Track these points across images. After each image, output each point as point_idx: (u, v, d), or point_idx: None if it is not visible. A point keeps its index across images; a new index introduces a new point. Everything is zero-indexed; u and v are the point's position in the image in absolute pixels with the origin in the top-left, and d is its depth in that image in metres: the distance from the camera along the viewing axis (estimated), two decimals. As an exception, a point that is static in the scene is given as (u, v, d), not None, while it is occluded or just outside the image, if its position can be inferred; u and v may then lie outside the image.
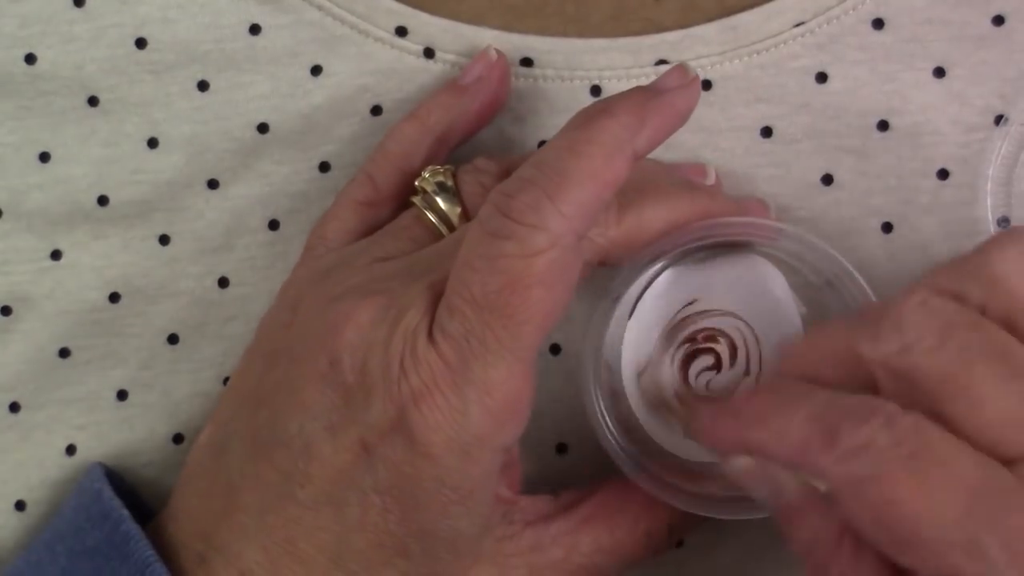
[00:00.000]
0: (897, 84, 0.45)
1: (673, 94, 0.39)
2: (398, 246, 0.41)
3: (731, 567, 0.45)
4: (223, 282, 0.46)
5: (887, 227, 0.45)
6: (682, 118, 0.39)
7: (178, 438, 0.46)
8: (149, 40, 0.46)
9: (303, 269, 0.43)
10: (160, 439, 0.46)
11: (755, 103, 0.45)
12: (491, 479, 0.38)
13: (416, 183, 0.42)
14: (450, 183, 0.42)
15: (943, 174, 0.45)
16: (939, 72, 0.45)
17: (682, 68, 0.40)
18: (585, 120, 0.38)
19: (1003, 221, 0.44)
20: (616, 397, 0.42)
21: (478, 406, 0.36)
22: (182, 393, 0.46)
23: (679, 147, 0.45)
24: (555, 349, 0.45)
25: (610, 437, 0.41)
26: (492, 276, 0.36)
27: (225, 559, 0.39)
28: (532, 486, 0.42)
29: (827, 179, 0.45)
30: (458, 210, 0.42)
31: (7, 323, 0.46)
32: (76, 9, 0.46)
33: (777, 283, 0.42)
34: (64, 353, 0.46)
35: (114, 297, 0.46)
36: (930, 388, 0.33)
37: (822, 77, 0.45)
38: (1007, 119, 0.44)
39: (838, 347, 0.36)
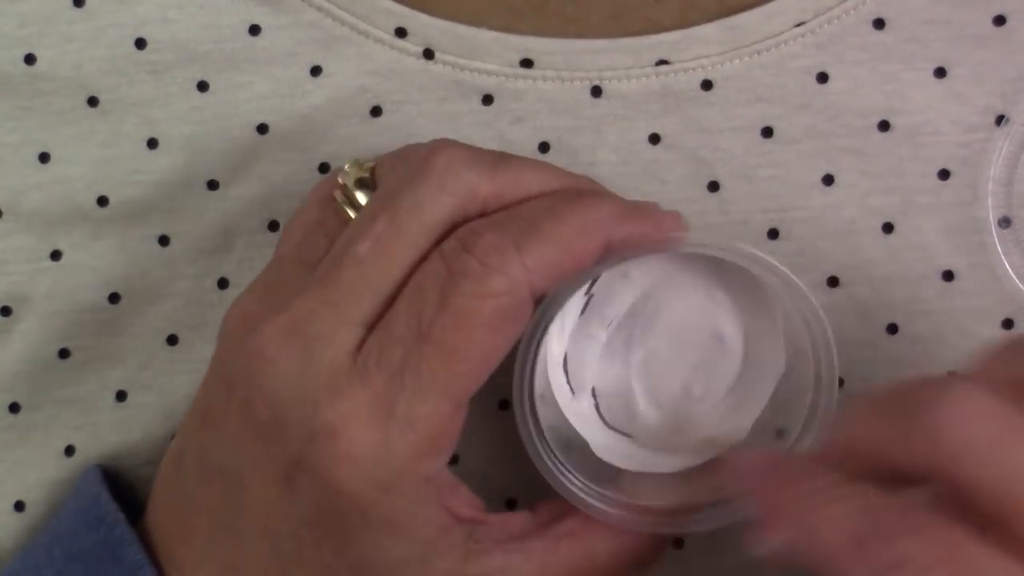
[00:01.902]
0: (898, 84, 0.45)
1: (663, 218, 0.39)
2: (317, 244, 0.39)
3: (733, 568, 0.45)
4: (222, 283, 0.46)
5: (888, 227, 0.45)
6: (657, 244, 0.39)
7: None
8: (148, 40, 0.46)
9: (255, 280, 0.41)
10: (158, 440, 0.46)
11: (755, 103, 0.45)
12: (422, 506, 0.37)
13: (338, 177, 0.40)
14: (367, 176, 0.40)
15: (944, 174, 0.45)
16: (940, 72, 0.45)
17: (678, 213, 0.40)
18: (574, 194, 0.38)
19: (1004, 221, 0.44)
20: (558, 434, 0.41)
21: (399, 441, 0.35)
22: (181, 394, 0.46)
23: (679, 147, 0.45)
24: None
25: (561, 477, 0.40)
26: (441, 310, 0.35)
27: None
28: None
29: (827, 179, 0.45)
30: None
31: (6, 323, 0.46)
32: (75, 9, 0.46)
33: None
34: (63, 353, 0.46)
35: (113, 297, 0.46)
36: (983, 502, 0.30)
37: (823, 77, 0.45)
38: (1008, 119, 0.44)
39: (872, 443, 0.33)
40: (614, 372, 0.42)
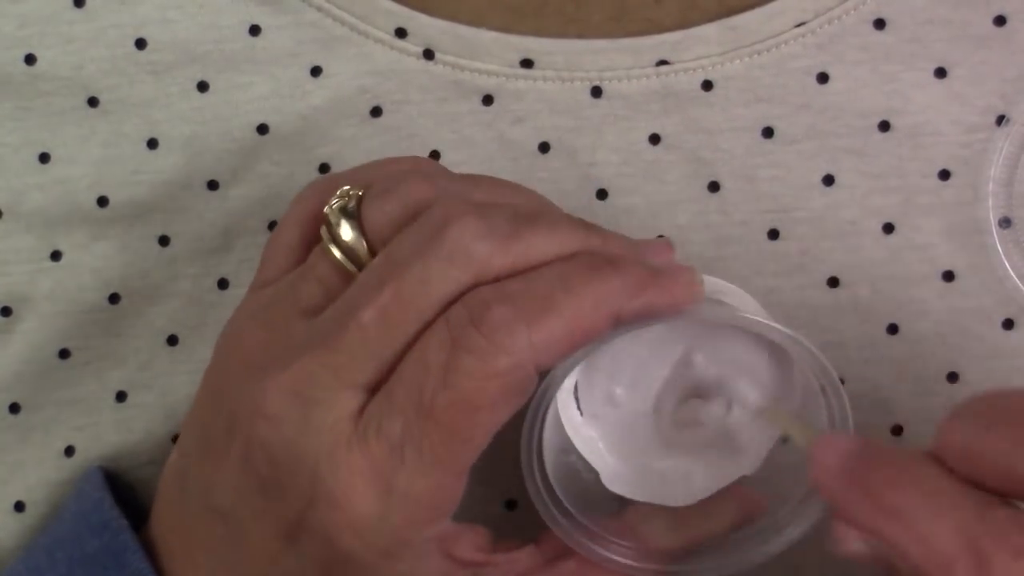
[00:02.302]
0: (898, 84, 0.45)
1: (676, 287, 0.37)
2: (310, 292, 0.38)
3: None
4: (222, 283, 0.46)
5: (888, 228, 0.45)
6: (672, 310, 0.37)
7: (177, 439, 0.46)
8: (149, 41, 0.46)
9: (243, 304, 0.40)
10: (159, 440, 0.46)
11: (756, 103, 0.45)
12: (425, 562, 0.37)
13: (325, 210, 0.38)
14: (353, 207, 0.38)
15: (944, 174, 0.45)
16: (940, 72, 0.45)
17: (694, 271, 0.38)
18: (590, 264, 0.36)
19: (1004, 222, 0.44)
20: (567, 464, 0.41)
21: (399, 514, 0.35)
22: (181, 394, 0.45)
23: (680, 148, 0.45)
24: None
25: (569, 528, 0.39)
26: (444, 388, 0.34)
27: None
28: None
29: (828, 179, 0.45)
30: (363, 243, 0.38)
31: (6, 324, 0.46)
32: (76, 9, 0.46)
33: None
34: (64, 354, 0.46)
35: (113, 298, 0.46)
36: None
37: (823, 77, 0.45)
38: (1008, 119, 0.44)
39: (998, 456, 0.32)
40: (625, 400, 0.41)
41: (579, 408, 0.41)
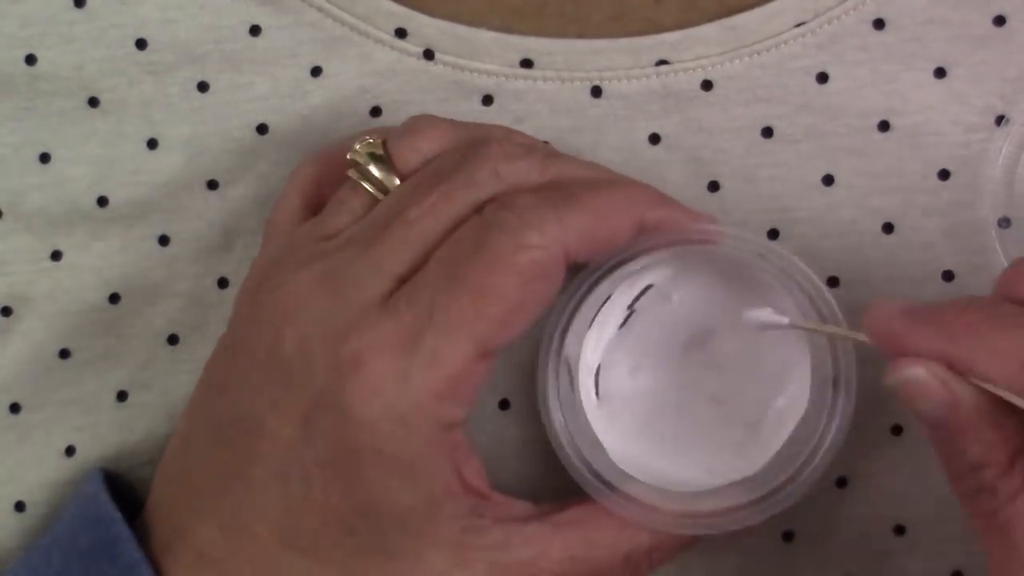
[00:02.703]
0: (898, 84, 0.45)
1: (698, 212, 0.42)
2: (339, 221, 0.40)
3: (732, 569, 0.45)
4: (222, 283, 0.46)
5: (888, 228, 0.45)
6: (689, 235, 0.41)
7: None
8: (149, 41, 0.46)
9: (258, 260, 0.42)
10: (159, 439, 0.46)
11: (756, 103, 0.45)
12: (434, 453, 0.37)
13: (347, 155, 0.41)
14: (381, 152, 0.41)
15: (944, 175, 0.45)
16: (940, 72, 0.45)
17: (713, 216, 0.42)
18: (618, 177, 0.41)
19: (1004, 222, 0.44)
20: (583, 435, 0.42)
21: (421, 375, 0.36)
22: (181, 393, 0.45)
23: (680, 148, 0.45)
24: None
25: (576, 462, 0.41)
26: (476, 256, 0.36)
27: (184, 541, 0.39)
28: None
29: (828, 179, 0.45)
30: (395, 179, 0.40)
31: (7, 324, 0.46)
32: (76, 10, 0.46)
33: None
34: (64, 354, 0.46)
35: (114, 298, 0.46)
36: None
37: (823, 77, 0.45)
38: (1008, 119, 0.44)
39: None
40: (643, 387, 0.42)
41: (597, 392, 0.42)
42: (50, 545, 0.42)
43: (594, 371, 0.42)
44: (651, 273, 0.42)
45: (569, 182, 0.40)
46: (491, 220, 0.37)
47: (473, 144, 0.40)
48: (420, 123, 0.41)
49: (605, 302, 0.42)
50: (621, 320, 0.42)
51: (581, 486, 0.41)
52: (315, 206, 0.42)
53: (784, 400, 0.42)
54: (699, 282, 0.42)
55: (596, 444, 0.42)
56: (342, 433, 0.37)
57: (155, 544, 0.40)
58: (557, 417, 0.41)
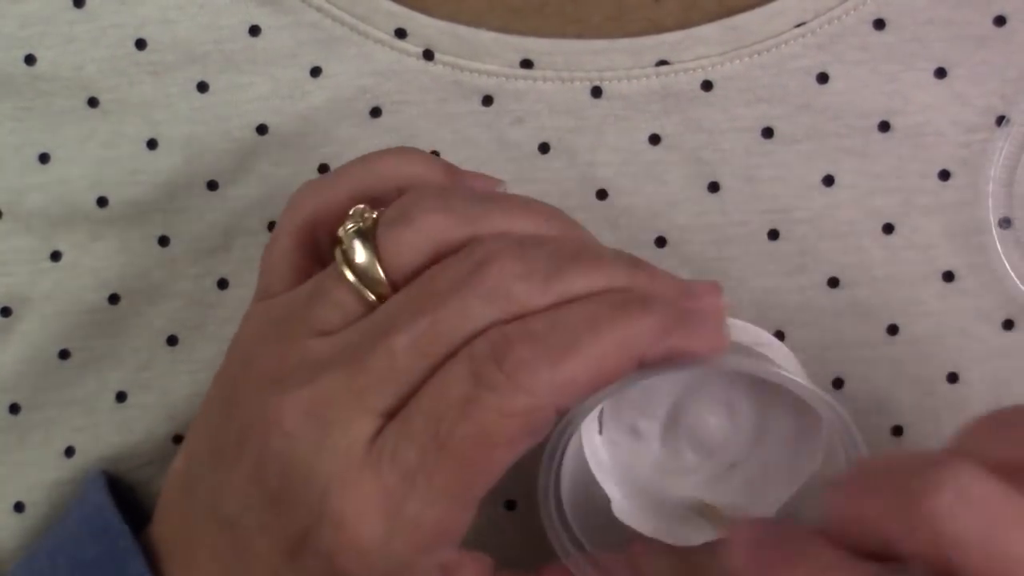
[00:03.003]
0: (898, 84, 0.45)
1: (706, 332, 0.36)
2: (327, 316, 0.37)
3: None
4: (222, 283, 0.46)
5: (888, 228, 0.45)
6: (696, 354, 0.36)
7: (177, 439, 0.46)
8: (149, 41, 0.46)
9: (253, 313, 0.40)
10: (159, 440, 0.46)
11: (756, 103, 0.45)
12: None
13: (339, 231, 0.38)
14: (368, 228, 0.37)
15: (944, 175, 0.45)
16: (940, 72, 0.45)
17: (720, 320, 0.37)
18: (618, 303, 0.36)
19: (1004, 222, 0.44)
20: (581, 485, 0.40)
21: (404, 539, 0.35)
22: (181, 394, 0.45)
23: (680, 148, 0.45)
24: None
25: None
26: (463, 421, 0.34)
27: None
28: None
29: (828, 180, 0.45)
30: (379, 271, 0.37)
31: (6, 324, 0.46)
32: (76, 10, 0.46)
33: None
34: (63, 354, 0.46)
35: (113, 298, 0.46)
36: None
37: (823, 77, 0.45)
38: (1008, 120, 0.44)
39: (871, 523, 0.32)
40: (648, 433, 0.41)
41: (600, 431, 0.41)
42: (54, 551, 0.42)
43: (597, 416, 0.40)
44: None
45: (567, 310, 0.36)
46: (480, 376, 0.34)
47: (473, 260, 0.36)
48: (414, 210, 0.37)
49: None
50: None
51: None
52: (308, 249, 0.40)
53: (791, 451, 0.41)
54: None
55: (596, 506, 0.41)
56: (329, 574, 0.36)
57: None
58: (548, 504, 0.39)
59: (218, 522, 0.38)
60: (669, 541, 0.40)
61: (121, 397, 0.46)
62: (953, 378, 0.45)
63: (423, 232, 0.37)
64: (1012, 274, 0.44)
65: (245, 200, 0.46)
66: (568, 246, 0.37)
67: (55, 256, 0.46)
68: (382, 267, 0.37)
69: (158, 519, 0.41)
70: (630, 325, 0.35)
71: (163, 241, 0.46)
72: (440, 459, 0.35)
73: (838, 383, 0.44)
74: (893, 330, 0.45)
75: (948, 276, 0.44)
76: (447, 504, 0.35)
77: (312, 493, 0.35)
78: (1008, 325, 0.45)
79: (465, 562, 0.38)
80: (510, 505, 0.45)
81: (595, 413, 0.40)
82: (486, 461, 0.35)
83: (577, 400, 0.35)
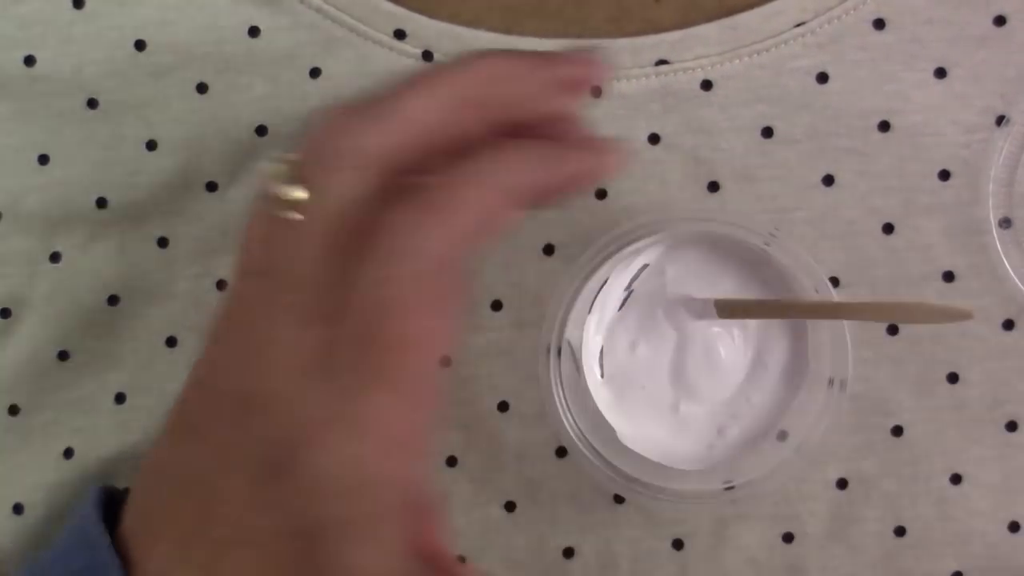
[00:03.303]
0: (898, 84, 0.45)
1: (576, 150, 0.36)
2: (257, 253, 0.37)
3: (733, 569, 0.45)
4: (221, 284, 0.46)
5: (888, 228, 0.45)
6: (578, 183, 0.36)
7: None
8: (148, 42, 0.46)
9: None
10: (158, 441, 0.45)
11: (755, 103, 0.45)
12: (388, 517, 0.36)
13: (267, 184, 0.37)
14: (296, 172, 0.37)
15: (944, 175, 0.45)
16: (940, 72, 0.45)
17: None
18: (489, 149, 0.35)
19: (1004, 222, 0.44)
20: (588, 419, 0.43)
21: (356, 442, 0.34)
22: None
23: (679, 147, 0.45)
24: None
25: (580, 446, 0.42)
26: (365, 300, 0.34)
27: None
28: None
29: (828, 179, 0.45)
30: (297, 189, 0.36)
31: (6, 325, 0.46)
32: (75, 11, 0.46)
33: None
34: (63, 356, 0.46)
35: (112, 300, 0.46)
36: None
37: (823, 77, 0.45)
38: (1008, 119, 0.44)
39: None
40: (642, 366, 0.43)
41: (601, 372, 0.43)
42: (49, 561, 0.42)
43: (598, 353, 0.43)
44: (646, 253, 0.43)
45: (416, 149, 0.35)
46: (369, 261, 0.34)
47: (311, 140, 0.36)
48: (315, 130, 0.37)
49: (603, 286, 0.43)
50: (620, 302, 0.43)
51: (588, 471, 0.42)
52: None
53: (768, 394, 0.43)
54: (692, 256, 0.43)
55: (603, 425, 0.43)
56: (296, 504, 0.35)
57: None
58: (560, 401, 0.42)
59: (182, 489, 0.37)
60: (673, 465, 0.43)
61: (120, 398, 0.46)
62: (953, 378, 0.45)
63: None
64: (1012, 274, 0.44)
65: (244, 201, 0.46)
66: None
67: (54, 257, 0.46)
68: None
69: (128, 510, 0.40)
70: (486, 166, 0.35)
71: (163, 242, 0.46)
72: (360, 345, 0.34)
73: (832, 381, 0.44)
74: (893, 330, 0.45)
75: (948, 276, 0.44)
76: (380, 392, 0.34)
77: (270, 421, 0.35)
78: (1008, 325, 0.45)
79: (432, 509, 0.37)
80: (510, 507, 0.45)
81: (597, 354, 0.43)
82: (402, 331, 0.34)
83: (467, 247, 0.35)
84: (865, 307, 0.42)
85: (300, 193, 0.36)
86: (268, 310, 0.36)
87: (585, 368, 0.43)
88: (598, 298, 0.43)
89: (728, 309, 0.42)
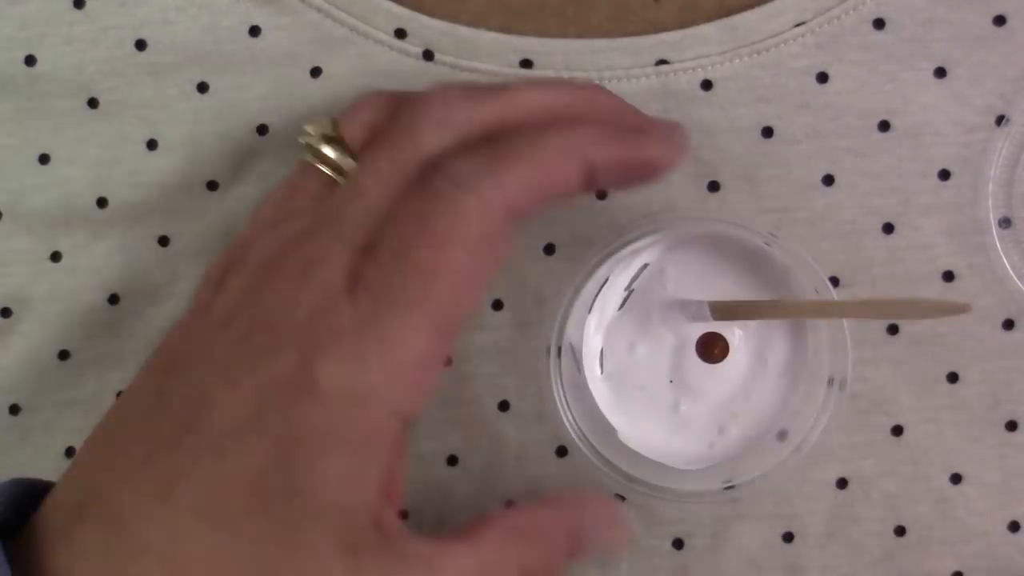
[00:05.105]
0: (898, 84, 0.45)
1: (656, 140, 0.40)
2: (299, 205, 0.40)
3: (732, 570, 0.45)
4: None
5: (888, 228, 0.45)
6: (649, 169, 0.39)
7: None
8: (149, 42, 0.46)
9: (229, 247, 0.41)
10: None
11: (755, 103, 0.45)
12: (378, 446, 0.36)
13: (300, 139, 0.41)
14: (333, 133, 0.40)
15: (944, 175, 0.45)
16: (940, 72, 0.45)
17: (679, 128, 0.41)
18: (561, 119, 0.39)
19: (1004, 222, 0.44)
20: (590, 419, 0.43)
21: (377, 358, 0.35)
22: None
23: (679, 148, 0.45)
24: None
25: (581, 446, 0.42)
26: (416, 230, 0.36)
27: (100, 505, 0.36)
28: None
29: (828, 179, 0.45)
30: (349, 158, 0.40)
31: (6, 325, 0.46)
32: (76, 11, 0.46)
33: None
34: (63, 355, 0.46)
35: (113, 299, 0.46)
36: None
37: (823, 77, 0.45)
38: (1008, 119, 0.44)
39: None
40: (642, 366, 0.43)
41: (601, 372, 0.44)
42: None
43: (598, 353, 0.43)
44: (646, 253, 0.43)
45: (513, 126, 0.39)
46: (430, 191, 0.37)
47: (412, 102, 0.40)
48: (362, 98, 0.42)
49: (603, 285, 0.43)
50: (620, 301, 0.43)
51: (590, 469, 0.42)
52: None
53: (768, 393, 0.43)
54: (692, 256, 0.43)
55: (603, 425, 0.43)
56: (297, 410, 0.35)
57: (67, 508, 0.37)
58: (560, 401, 0.42)
59: (163, 404, 0.37)
60: (673, 464, 0.44)
61: (121, 398, 0.46)
62: (953, 378, 0.45)
63: (379, 108, 0.41)
64: (1012, 274, 0.44)
65: (245, 200, 0.46)
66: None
67: (55, 257, 0.46)
68: (350, 154, 0.40)
69: (76, 459, 0.39)
70: (571, 131, 0.38)
71: (163, 241, 0.46)
72: (401, 269, 0.36)
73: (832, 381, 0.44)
74: (893, 330, 0.45)
75: (948, 276, 0.44)
76: (414, 318, 0.36)
77: (296, 329, 0.36)
78: (1008, 325, 0.45)
79: (404, 461, 0.38)
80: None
81: (597, 353, 0.44)
82: (443, 262, 0.36)
83: (527, 204, 0.37)
84: (862, 305, 0.42)
85: (349, 161, 0.40)
86: (314, 236, 0.38)
87: (585, 368, 0.43)
88: (598, 298, 0.43)
89: (723, 311, 0.42)
